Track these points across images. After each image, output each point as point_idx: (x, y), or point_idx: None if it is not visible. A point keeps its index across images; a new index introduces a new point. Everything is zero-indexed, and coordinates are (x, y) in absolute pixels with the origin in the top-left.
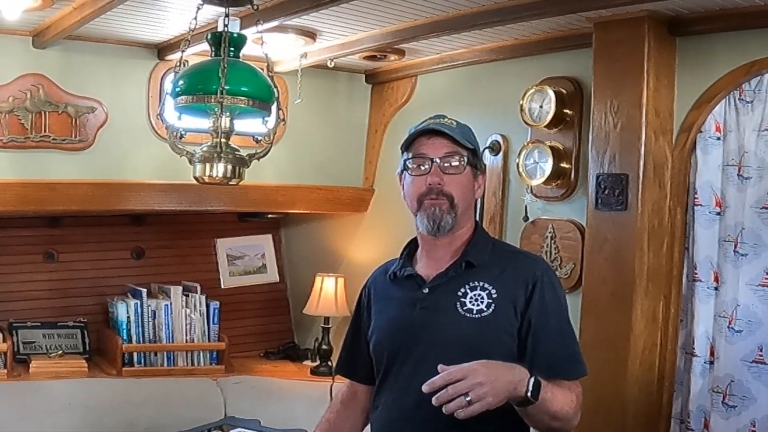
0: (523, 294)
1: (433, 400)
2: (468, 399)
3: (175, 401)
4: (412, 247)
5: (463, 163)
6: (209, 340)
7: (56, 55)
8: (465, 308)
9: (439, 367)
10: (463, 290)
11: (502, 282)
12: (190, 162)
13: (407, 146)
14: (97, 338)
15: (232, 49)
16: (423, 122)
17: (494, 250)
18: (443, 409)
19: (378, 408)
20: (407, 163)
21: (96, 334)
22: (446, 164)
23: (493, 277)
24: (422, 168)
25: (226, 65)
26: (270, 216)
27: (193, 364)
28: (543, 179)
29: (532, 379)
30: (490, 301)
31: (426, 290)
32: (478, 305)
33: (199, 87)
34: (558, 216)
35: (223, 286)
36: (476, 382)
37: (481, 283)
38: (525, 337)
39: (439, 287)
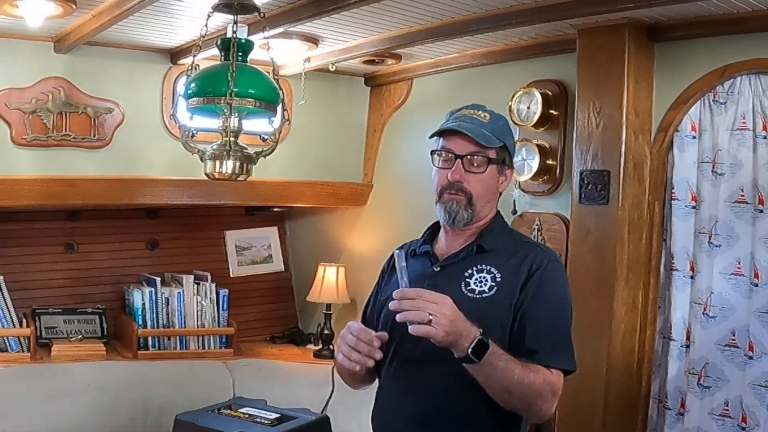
0: (524, 277)
1: (399, 317)
2: (429, 318)
3: (187, 382)
4: (435, 227)
5: (485, 163)
6: (219, 326)
7: (76, 60)
8: (468, 288)
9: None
10: (470, 272)
11: (508, 267)
12: (201, 159)
13: (440, 134)
14: (114, 324)
15: (240, 54)
16: (459, 110)
17: (509, 239)
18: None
19: (383, 375)
20: (435, 154)
21: (113, 320)
22: (469, 163)
23: (500, 262)
24: (447, 162)
25: (234, 69)
26: (275, 209)
27: (203, 348)
28: (530, 175)
29: (478, 338)
30: (494, 284)
31: (437, 268)
32: (481, 287)
33: (209, 89)
34: (544, 209)
35: (231, 275)
36: (443, 312)
37: (488, 267)
38: (515, 317)
39: (449, 267)
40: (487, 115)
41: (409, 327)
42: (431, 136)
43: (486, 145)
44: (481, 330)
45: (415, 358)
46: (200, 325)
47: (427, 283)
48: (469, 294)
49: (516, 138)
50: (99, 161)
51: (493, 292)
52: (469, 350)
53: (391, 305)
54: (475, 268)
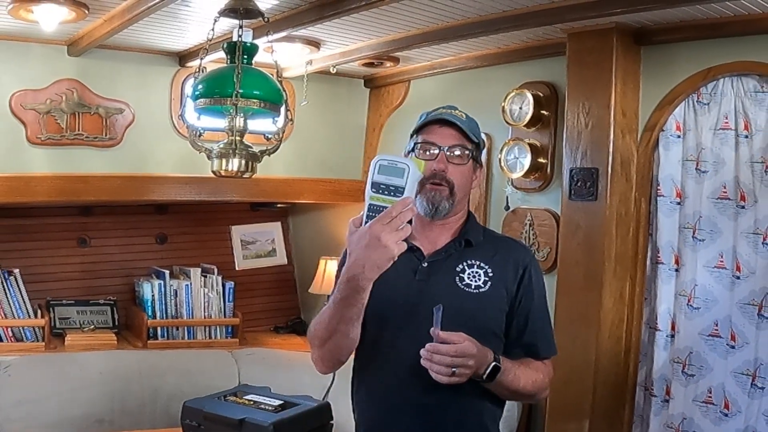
0: (514, 277)
1: (423, 361)
2: (453, 370)
3: (195, 371)
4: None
5: (467, 155)
6: (225, 317)
7: (88, 62)
8: (464, 283)
9: (432, 330)
10: (461, 266)
11: (495, 263)
12: (208, 157)
13: (418, 130)
14: (125, 314)
15: (245, 56)
16: (436, 110)
17: (486, 235)
18: (431, 373)
19: (371, 373)
20: (416, 146)
21: (124, 311)
22: (452, 154)
23: (487, 258)
24: (429, 153)
25: (240, 71)
26: (279, 205)
27: (210, 338)
28: (522, 173)
29: (492, 365)
30: (487, 279)
31: (425, 264)
32: (476, 281)
33: (216, 91)
34: (536, 205)
35: (237, 268)
36: (467, 364)
37: (478, 262)
38: (513, 318)
39: (438, 262)
40: (463, 115)
41: (432, 374)
42: (416, 130)
43: (468, 137)
44: (493, 355)
45: (413, 350)
46: (207, 315)
47: (418, 279)
48: (467, 289)
49: (509, 137)
50: (110, 159)
51: (487, 287)
52: (484, 376)
53: (422, 354)
54: (465, 263)
